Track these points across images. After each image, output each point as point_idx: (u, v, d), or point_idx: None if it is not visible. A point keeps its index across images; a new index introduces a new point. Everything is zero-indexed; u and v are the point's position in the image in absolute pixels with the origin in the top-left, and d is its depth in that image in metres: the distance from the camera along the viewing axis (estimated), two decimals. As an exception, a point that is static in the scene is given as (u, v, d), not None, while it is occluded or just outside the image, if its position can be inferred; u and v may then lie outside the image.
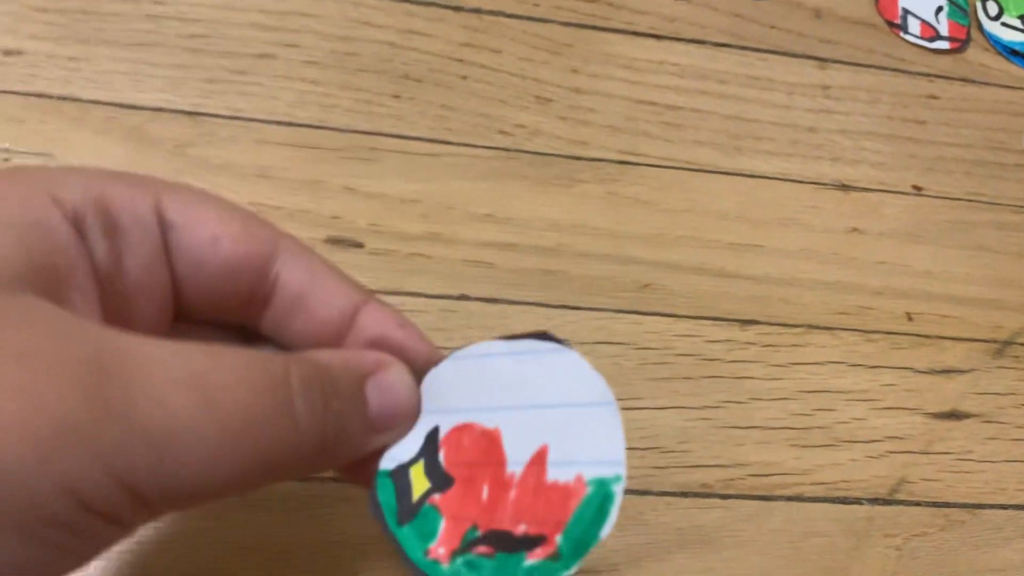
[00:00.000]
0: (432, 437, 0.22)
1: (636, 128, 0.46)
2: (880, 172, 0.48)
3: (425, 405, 0.23)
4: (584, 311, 0.41)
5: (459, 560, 0.20)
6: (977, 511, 0.40)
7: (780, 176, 0.46)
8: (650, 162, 0.45)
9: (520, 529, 0.21)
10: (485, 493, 0.21)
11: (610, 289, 0.42)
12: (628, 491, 0.37)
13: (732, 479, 0.39)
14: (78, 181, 0.20)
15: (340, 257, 0.39)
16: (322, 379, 0.20)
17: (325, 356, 0.21)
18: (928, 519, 0.40)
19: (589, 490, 0.21)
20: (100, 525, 0.17)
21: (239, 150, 0.41)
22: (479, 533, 0.21)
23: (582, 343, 0.40)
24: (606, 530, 0.21)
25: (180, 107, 0.41)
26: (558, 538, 0.20)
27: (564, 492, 0.21)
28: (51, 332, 0.17)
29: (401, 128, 0.43)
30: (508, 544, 0.20)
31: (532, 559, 0.20)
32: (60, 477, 0.16)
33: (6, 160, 0.38)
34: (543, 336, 0.23)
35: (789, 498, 0.39)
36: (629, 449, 0.38)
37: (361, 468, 0.22)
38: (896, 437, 0.41)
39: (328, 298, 0.23)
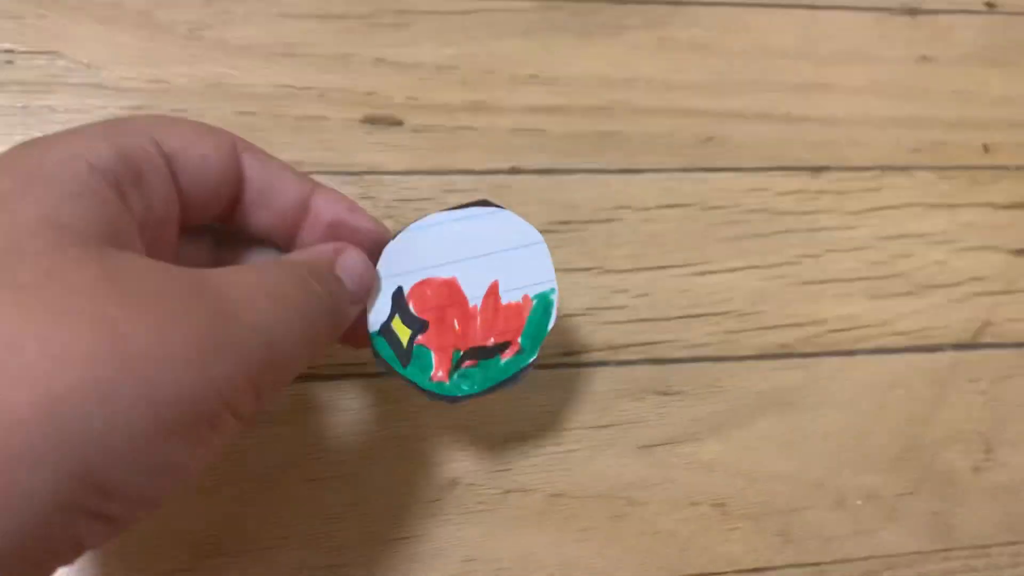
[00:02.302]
0: (398, 295, 0.28)
1: (684, -37, 0.42)
2: (951, -11, 0.44)
3: (388, 271, 0.28)
4: (645, 173, 0.38)
5: (455, 376, 0.27)
6: (1063, 348, 0.39)
7: (842, 5, 0.42)
8: (702, 0, 0.41)
9: (490, 341, 0.28)
10: (457, 325, 0.28)
11: (671, 146, 0.39)
12: (705, 358, 0.36)
13: (811, 337, 0.37)
14: (100, 143, 0.22)
15: (380, 138, 0.37)
16: (315, 271, 0.24)
17: (304, 255, 0.26)
18: (1014, 360, 0.38)
19: (534, 303, 0.28)
20: (231, 419, 0.21)
21: (259, 27, 0.37)
22: (462, 353, 0.27)
23: (645, 208, 0.38)
24: (551, 323, 0.28)
25: (187, -16, 0.37)
26: (519, 339, 0.28)
27: (516, 308, 0.28)
28: (159, 275, 0.20)
29: (429, -14, 0.39)
30: (485, 353, 0.28)
31: (505, 358, 0.27)
32: (213, 384, 0.20)
33: (9, 62, 0.35)
34: (483, 203, 0.28)
35: (870, 351, 0.37)
36: (702, 316, 0.37)
37: (351, 335, 0.27)
38: (978, 278, 0.39)
39: (284, 189, 0.26)
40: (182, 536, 0.31)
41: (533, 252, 0.28)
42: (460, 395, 0.27)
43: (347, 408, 0.33)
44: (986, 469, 0.37)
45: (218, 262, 0.28)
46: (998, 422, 0.37)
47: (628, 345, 0.36)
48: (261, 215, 0.26)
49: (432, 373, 0.27)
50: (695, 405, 0.35)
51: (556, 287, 0.28)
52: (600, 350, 0.36)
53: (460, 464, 0.33)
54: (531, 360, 0.27)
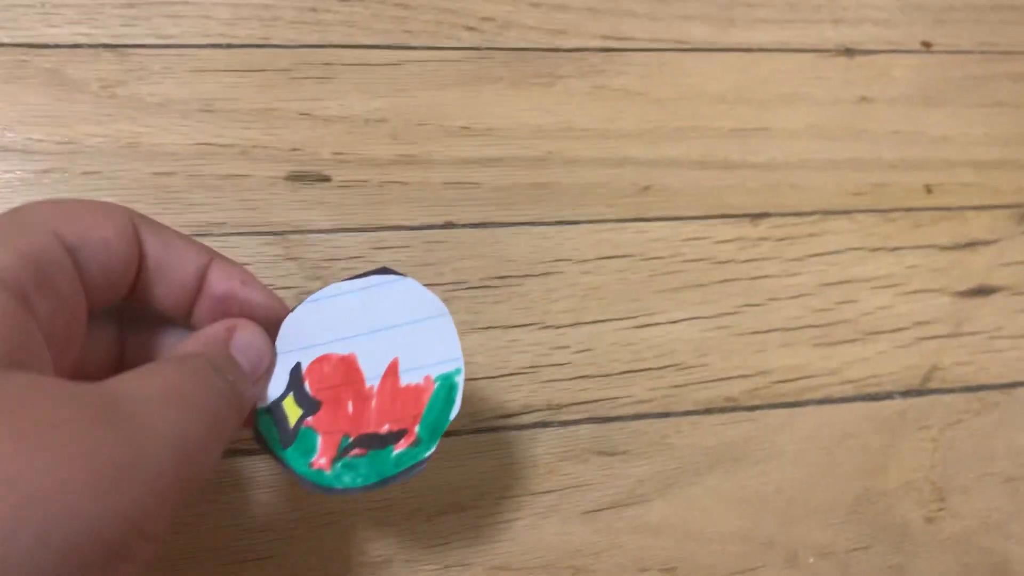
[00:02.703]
0: (295, 372, 0.26)
1: (618, 7, 0.41)
2: (886, 30, 0.44)
3: (286, 346, 0.26)
4: (583, 224, 0.37)
5: (338, 464, 0.25)
6: (1011, 390, 0.38)
7: (779, 47, 0.42)
8: (637, 46, 0.40)
9: (384, 428, 0.25)
10: (350, 408, 0.25)
11: (608, 196, 0.38)
12: (649, 415, 0.35)
13: (757, 388, 0.36)
14: (4, 250, 0.20)
15: (306, 195, 0.35)
16: (214, 361, 0.23)
17: (199, 343, 0.25)
18: (963, 405, 0.38)
19: (436, 384, 0.25)
20: (143, 545, 0.19)
21: (176, 83, 0.36)
22: (351, 439, 0.25)
23: (584, 260, 0.37)
24: (454, 412, 0.25)
25: (100, 40, 0.36)
26: (417, 428, 0.25)
27: (416, 391, 0.25)
28: (57, 400, 0.19)
29: (355, 36, 0.38)
30: (376, 442, 0.25)
31: (398, 449, 0.25)
32: (122, 513, 0.18)
33: (-92, 125, 0.33)
34: (384, 271, 0.26)
35: (819, 401, 0.36)
36: (645, 370, 0.35)
37: (250, 419, 0.26)
38: (924, 322, 0.39)
39: (181, 262, 0.25)
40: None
41: (438, 326, 0.26)
42: (338, 487, 0.25)
43: (269, 485, 0.31)
44: (940, 519, 0.36)
45: (124, 344, 0.26)
46: (950, 470, 0.36)
47: (570, 404, 0.35)
48: (159, 290, 0.25)
49: (314, 459, 0.25)
50: (641, 465, 0.34)
51: (462, 367, 0.26)
52: (541, 410, 0.34)
53: (393, 540, 0.31)
54: (427, 454, 0.25)
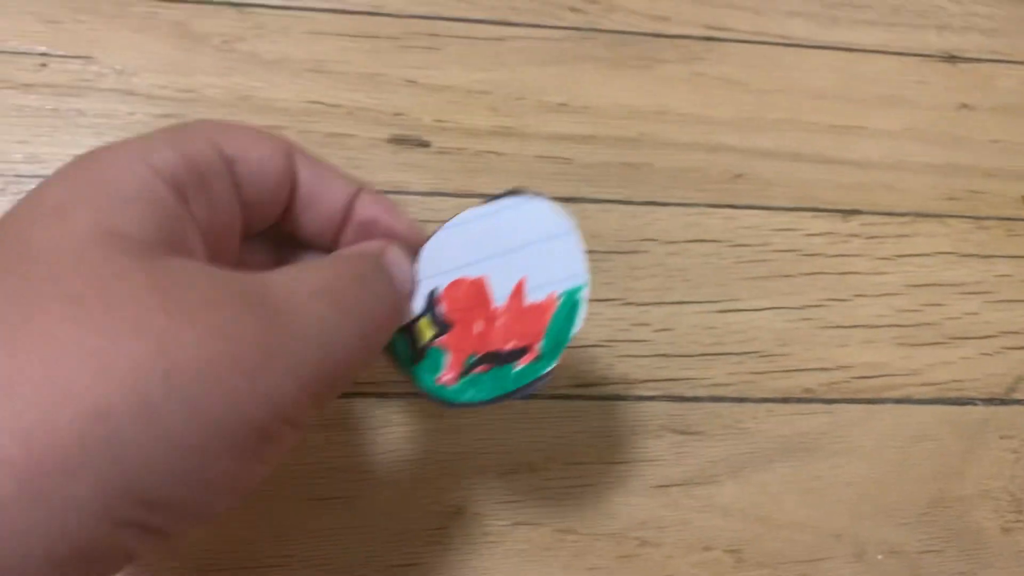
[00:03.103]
0: (431, 295, 0.27)
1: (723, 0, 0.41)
2: (992, 39, 0.43)
3: (424, 272, 0.27)
4: (672, 207, 0.38)
5: (464, 380, 0.26)
6: (1101, 408, 0.38)
7: (881, 48, 0.42)
8: (738, 37, 0.41)
9: (509, 346, 0.26)
10: (478, 328, 0.26)
11: (700, 181, 0.38)
12: (726, 399, 0.35)
13: (836, 382, 0.36)
14: (164, 148, 0.21)
15: (406, 158, 0.36)
16: (368, 265, 0.24)
17: (354, 250, 0.26)
18: (1048, 418, 0.37)
19: (560, 302, 0.25)
20: (288, 431, 0.20)
21: (292, 43, 0.37)
22: (476, 357, 0.26)
23: (671, 242, 0.37)
24: (576, 328, 0.25)
25: (224, -2, 0.37)
26: (539, 345, 0.25)
27: (540, 309, 0.26)
28: (211, 283, 0.20)
29: (462, 10, 0.39)
30: (500, 359, 0.26)
31: (520, 366, 0.25)
32: (266, 396, 0.19)
33: (43, 65, 0.35)
34: (515, 192, 0.27)
35: (897, 400, 0.36)
36: (725, 355, 0.36)
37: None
38: (1013, 332, 0.38)
39: (332, 191, 0.26)
40: (181, 552, 0.30)
41: (563, 244, 0.26)
42: (461, 401, 0.26)
43: (354, 427, 0.32)
44: (1016, 530, 0.35)
45: (279, 265, 0.27)
46: (1030, 482, 0.36)
47: (647, 380, 0.35)
48: (309, 216, 0.26)
49: (440, 375, 0.26)
50: (713, 446, 0.34)
51: (585, 283, 0.25)
52: (617, 383, 0.35)
53: (467, 492, 0.32)
54: (548, 369, 0.25)
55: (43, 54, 0.35)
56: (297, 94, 0.36)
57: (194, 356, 0.18)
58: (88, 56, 0.36)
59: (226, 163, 0.23)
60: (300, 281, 0.21)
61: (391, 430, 0.32)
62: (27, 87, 0.35)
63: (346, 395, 0.32)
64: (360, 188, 0.26)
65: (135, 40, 0.36)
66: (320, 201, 0.25)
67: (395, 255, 0.26)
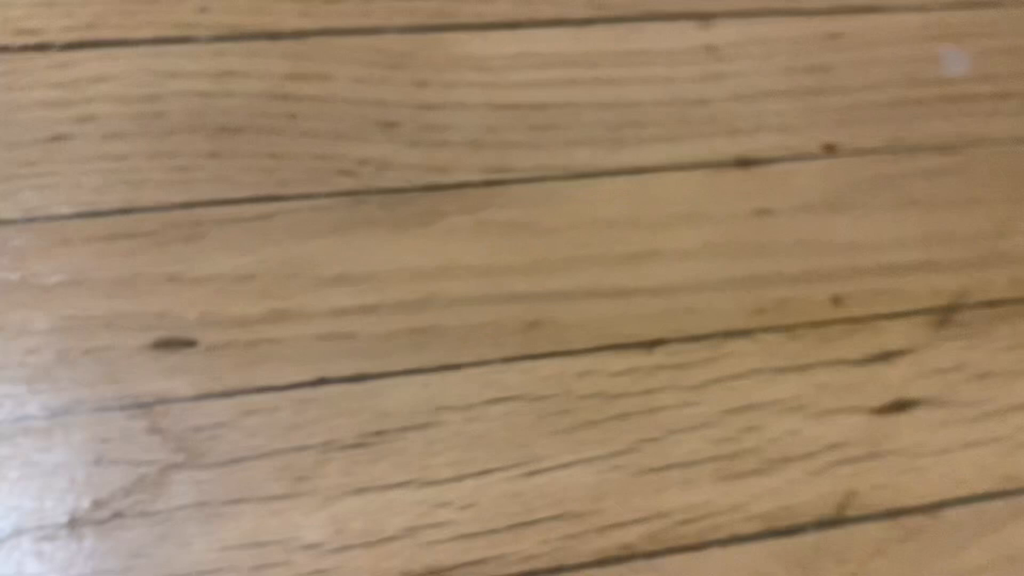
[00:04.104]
0: None
1: (501, 139, 0.40)
2: (785, 136, 0.42)
3: None
4: (467, 368, 0.36)
5: None
6: (936, 512, 0.36)
7: (670, 165, 0.41)
8: (520, 176, 0.40)
9: None
10: None
11: (493, 335, 0.37)
12: (540, 571, 0.33)
13: (656, 532, 0.34)
14: None
15: (172, 362, 0.34)
16: None
17: None
18: (883, 533, 0.36)
19: None
20: None
21: (39, 258, 0.35)
22: None
23: (469, 406, 0.35)
24: None
25: (-38, 219, 0.35)
26: None
27: None
28: None
29: (224, 191, 0.37)
30: None
31: None
32: None
33: None
34: None
35: (724, 541, 0.34)
36: (535, 522, 0.34)
37: None
38: (838, 444, 0.37)
39: None
40: None
41: None
42: None
43: None
44: (864, 664, 0.33)
45: None
46: (873, 606, 0.34)
47: (454, 567, 0.33)
48: None
49: None
50: (532, 627, 0.32)
51: None
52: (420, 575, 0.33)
53: None
54: None
55: None
56: (49, 312, 0.34)
57: None
58: None
59: None
60: None
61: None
62: None
63: None
64: None
65: None
66: None
67: None
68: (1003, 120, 0.45)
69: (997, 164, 0.44)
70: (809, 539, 0.35)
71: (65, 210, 0.36)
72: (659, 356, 0.37)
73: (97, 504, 0.32)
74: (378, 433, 0.34)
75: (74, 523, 0.32)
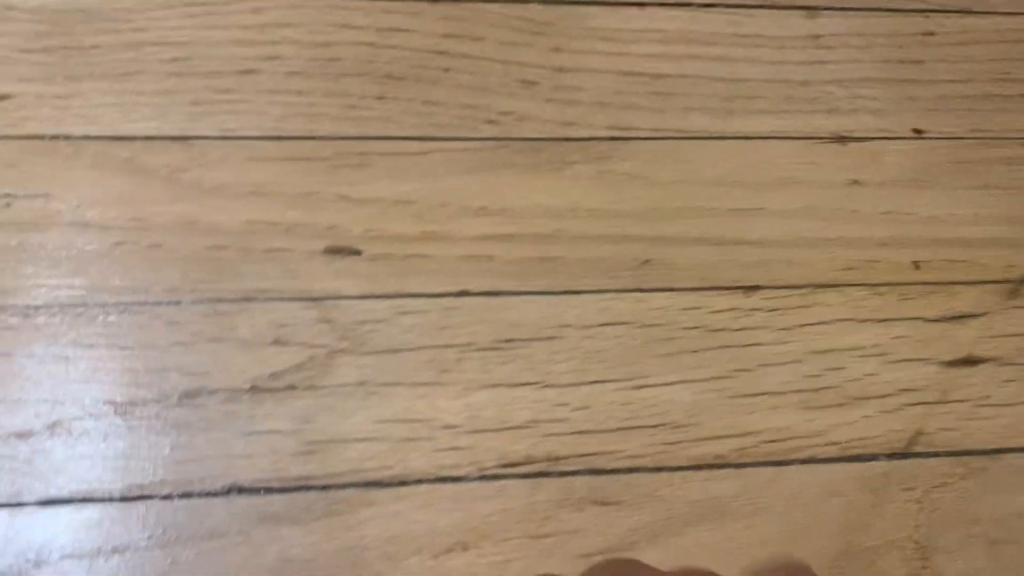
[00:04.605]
0: None
1: (625, 102, 0.46)
2: (878, 119, 0.47)
3: None
4: (586, 294, 0.41)
5: None
6: (997, 456, 0.40)
7: (775, 135, 0.46)
8: (641, 135, 0.45)
9: None
10: None
11: (610, 269, 0.42)
12: (642, 469, 0.38)
13: (745, 448, 0.39)
14: None
15: (339, 266, 0.40)
16: None
17: None
18: (947, 469, 0.40)
19: None
20: None
21: (231, 170, 0.41)
22: None
23: (587, 326, 0.40)
24: None
25: (170, 133, 0.41)
26: None
27: None
28: None
29: (388, 129, 0.43)
30: None
31: None
32: None
33: (8, 205, 0.39)
34: None
35: (804, 461, 0.39)
36: (640, 428, 0.39)
37: None
38: (910, 389, 0.41)
39: None
40: None
41: None
42: None
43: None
44: (923, 576, 0.38)
45: None
46: (934, 530, 0.38)
47: (568, 456, 0.38)
48: None
49: None
50: (633, 515, 0.37)
51: None
52: (541, 461, 0.38)
53: (403, 575, 0.35)
54: None
55: (7, 194, 0.39)
56: (238, 216, 0.40)
57: None
58: (47, 193, 0.40)
59: None
60: None
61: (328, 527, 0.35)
62: (-6, 225, 0.39)
63: (288, 489, 0.35)
64: None
65: (89, 177, 0.40)
66: None
67: None
68: (1081, 120, 0.49)
69: (1073, 159, 0.48)
70: (879, 467, 0.39)
71: (253, 133, 0.42)
72: (756, 300, 0.42)
73: (274, 376, 0.38)
74: (509, 340, 0.40)
75: (254, 389, 0.37)
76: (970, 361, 0.42)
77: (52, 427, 0.36)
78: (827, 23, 0.49)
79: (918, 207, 0.45)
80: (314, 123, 0.43)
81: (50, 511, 0.35)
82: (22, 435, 0.36)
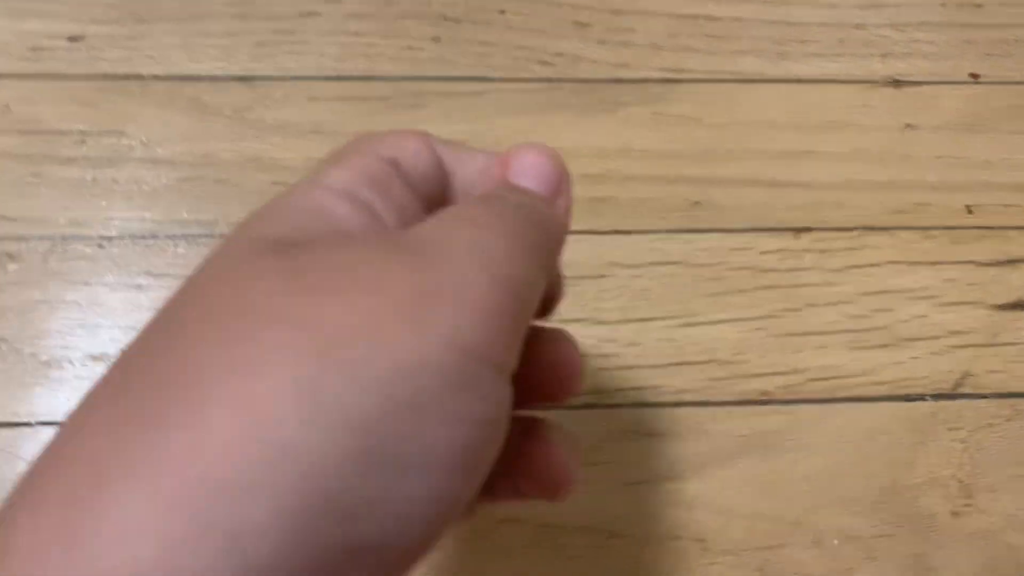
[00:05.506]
0: None
1: (678, 44, 0.46)
2: (934, 63, 0.47)
3: None
4: (635, 234, 0.42)
5: None
6: (1045, 399, 0.41)
7: (828, 78, 0.46)
8: (694, 77, 0.45)
9: None
10: None
11: (660, 210, 0.42)
12: (688, 403, 0.39)
13: (791, 385, 0.40)
14: (334, 169, 0.22)
15: (396, 203, 0.41)
16: (497, 192, 0.24)
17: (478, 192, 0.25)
18: (994, 410, 0.40)
19: None
20: (487, 372, 0.18)
21: (292, 109, 0.42)
22: None
23: (635, 265, 0.41)
24: None
25: (234, 73, 0.43)
26: None
27: None
28: (348, 249, 0.19)
29: (443, 70, 0.44)
30: None
31: None
32: (439, 333, 0.17)
33: (82, 141, 0.41)
34: None
35: (850, 399, 0.40)
36: (687, 364, 0.40)
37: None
38: (959, 332, 0.41)
39: (469, 161, 0.26)
40: None
41: None
42: None
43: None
44: (966, 514, 0.38)
45: None
46: (978, 469, 0.39)
47: (617, 390, 0.39)
48: (456, 192, 0.26)
49: None
50: (678, 446, 0.38)
51: None
52: (590, 394, 0.39)
53: (455, 495, 0.37)
54: None
55: (81, 132, 0.41)
56: (299, 153, 0.42)
57: (347, 322, 0.17)
58: (120, 131, 0.41)
59: (392, 165, 0.23)
60: (437, 220, 0.21)
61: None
62: (69, 160, 0.41)
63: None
64: (495, 154, 0.27)
65: (158, 115, 0.42)
66: (462, 173, 0.26)
67: (519, 164, 0.25)
68: None
69: None
70: (926, 406, 0.40)
71: (313, 72, 0.43)
72: (805, 241, 0.42)
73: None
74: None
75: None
76: (1020, 305, 0.42)
77: (125, 351, 0.38)
78: (885, -34, 0.49)
79: (972, 151, 0.45)
80: (372, 64, 0.44)
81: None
82: (98, 358, 0.38)
